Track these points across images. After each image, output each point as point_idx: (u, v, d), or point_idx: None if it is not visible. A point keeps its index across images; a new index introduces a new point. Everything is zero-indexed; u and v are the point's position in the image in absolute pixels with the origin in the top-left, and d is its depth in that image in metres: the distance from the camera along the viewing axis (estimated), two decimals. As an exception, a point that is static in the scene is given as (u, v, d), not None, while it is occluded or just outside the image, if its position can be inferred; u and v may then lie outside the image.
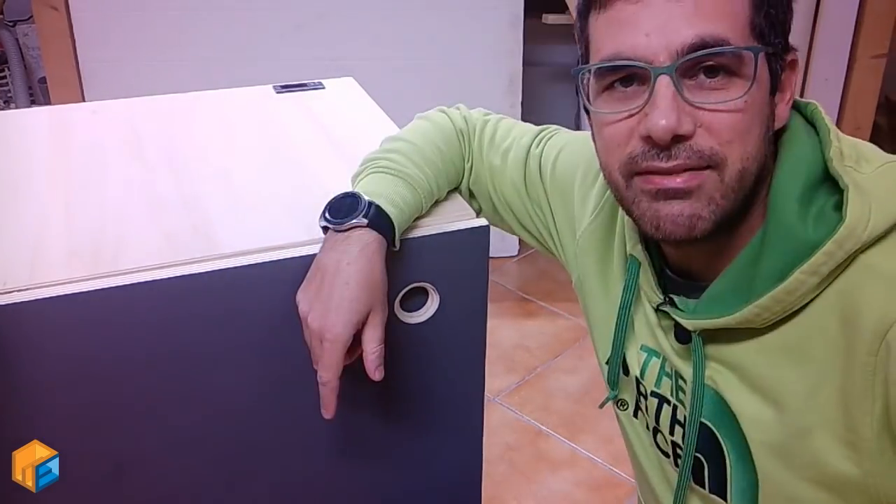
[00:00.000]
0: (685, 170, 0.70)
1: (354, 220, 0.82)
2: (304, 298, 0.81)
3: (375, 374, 0.79)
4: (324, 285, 0.79)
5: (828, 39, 2.55)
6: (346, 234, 0.81)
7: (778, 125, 0.75)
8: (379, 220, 0.83)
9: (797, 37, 2.55)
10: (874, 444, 0.69)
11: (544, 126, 1.02)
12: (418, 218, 0.91)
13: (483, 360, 0.98)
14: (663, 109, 0.68)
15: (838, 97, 2.61)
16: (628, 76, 0.72)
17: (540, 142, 0.99)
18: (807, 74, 2.62)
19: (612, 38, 0.71)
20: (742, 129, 0.70)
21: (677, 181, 0.70)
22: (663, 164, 0.70)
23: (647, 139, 0.70)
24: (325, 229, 0.84)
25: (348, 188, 0.88)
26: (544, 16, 2.63)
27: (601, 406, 0.94)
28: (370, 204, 0.83)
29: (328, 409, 0.81)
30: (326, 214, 0.84)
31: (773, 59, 0.72)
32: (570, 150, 0.97)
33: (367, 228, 0.82)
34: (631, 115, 0.71)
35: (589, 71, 0.74)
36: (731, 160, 0.70)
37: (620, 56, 0.70)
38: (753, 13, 0.70)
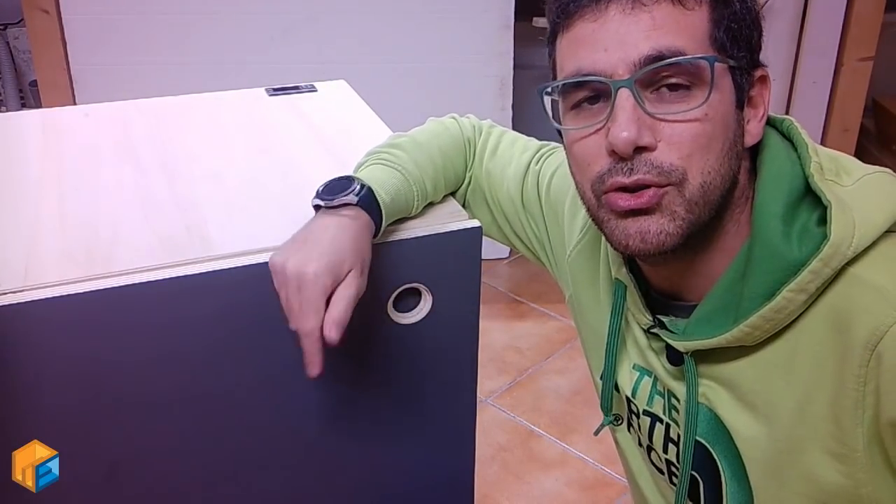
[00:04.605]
0: (646, 185, 0.70)
1: (346, 198, 0.82)
2: (279, 254, 0.78)
3: (332, 331, 0.74)
4: (308, 241, 0.78)
5: (815, 43, 2.57)
6: (335, 210, 0.81)
7: (751, 142, 0.75)
8: (369, 203, 0.83)
9: (785, 41, 2.57)
10: (864, 454, 0.70)
11: (545, 143, 1.03)
12: (411, 218, 0.92)
13: (476, 360, 0.99)
14: (623, 121, 0.69)
15: (826, 100, 2.62)
16: (594, 94, 0.73)
17: (540, 159, 0.99)
18: (794, 77, 2.63)
19: (573, 55, 0.73)
20: (702, 142, 0.70)
21: (640, 200, 0.71)
22: (625, 180, 0.71)
23: (612, 153, 0.71)
24: (317, 208, 0.83)
25: None
26: (535, 19, 2.63)
27: (597, 433, 0.95)
28: (363, 186, 0.83)
29: (314, 365, 0.75)
30: (320, 191, 0.84)
31: (737, 73, 0.72)
32: (564, 169, 0.98)
33: (357, 208, 0.82)
34: (597, 131, 0.72)
35: (557, 90, 0.75)
36: (691, 175, 0.70)
37: (581, 72, 0.72)
38: (713, 27, 0.71)
